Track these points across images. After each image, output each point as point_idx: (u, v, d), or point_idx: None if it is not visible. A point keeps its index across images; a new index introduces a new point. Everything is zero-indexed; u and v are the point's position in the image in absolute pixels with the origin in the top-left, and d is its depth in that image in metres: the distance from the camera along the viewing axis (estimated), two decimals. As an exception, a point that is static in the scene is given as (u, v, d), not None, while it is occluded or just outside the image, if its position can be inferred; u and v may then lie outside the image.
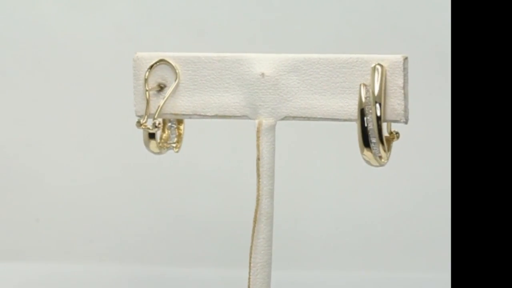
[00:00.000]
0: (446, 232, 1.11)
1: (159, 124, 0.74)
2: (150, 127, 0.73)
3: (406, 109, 0.68)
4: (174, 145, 0.77)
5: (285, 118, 0.71)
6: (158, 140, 0.76)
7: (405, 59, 0.68)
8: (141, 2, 1.18)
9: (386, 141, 0.71)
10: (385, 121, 0.69)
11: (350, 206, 1.17)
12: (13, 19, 1.18)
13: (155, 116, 0.73)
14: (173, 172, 1.19)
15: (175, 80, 0.73)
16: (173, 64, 0.73)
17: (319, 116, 0.70)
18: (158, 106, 0.73)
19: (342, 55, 0.70)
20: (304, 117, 0.71)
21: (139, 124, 0.73)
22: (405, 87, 0.68)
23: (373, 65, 0.68)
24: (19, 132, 1.19)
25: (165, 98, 0.73)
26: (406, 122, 0.69)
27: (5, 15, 1.18)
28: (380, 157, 0.70)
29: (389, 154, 0.72)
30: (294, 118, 0.71)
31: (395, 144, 0.71)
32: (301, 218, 1.18)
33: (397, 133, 0.72)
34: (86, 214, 1.19)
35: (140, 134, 1.19)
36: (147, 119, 0.73)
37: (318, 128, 1.18)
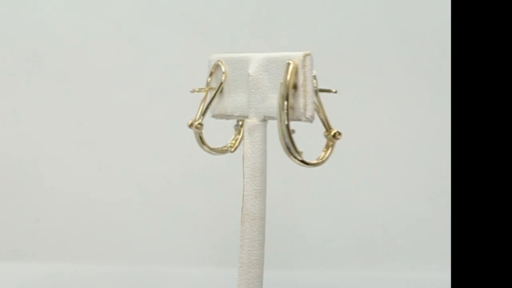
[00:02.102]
0: (446, 232, 1.11)
1: (198, 125, 0.73)
2: (195, 127, 0.73)
3: (306, 108, 0.65)
4: (231, 144, 0.76)
5: (265, 118, 0.70)
6: (231, 140, 0.75)
7: (306, 56, 0.65)
8: (141, 2, 1.18)
9: (330, 140, 0.69)
10: (291, 120, 0.66)
11: (350, 206, 1.17)
12: (13, 19, 1.18)
13: (198, 117, 0.73)
14: (173, 172, 1.19)
15: (221, 81, 0.73)
16: (223, 65, 0.73)
17: (275, 116, 0.69)
18: (203, 107, 0.73)
19: (280, 53, 0.68)
20: (273, 117, 0.69)
21: (190, 124, 0.73)
22: (305, 85, 0.65)
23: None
24: (20, 132, 1.19)
25: (210, 99, 0.73)
26: (309, 121, 0.66)
27: (5, 15, 1.18)
28: (321, 158, 0.68)
29: (329, 154, 0.69)
30: (269, 118, 0.69)
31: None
32: (301, 218, 1.18)
33: (335, 133, 0.69)
34: (86, 214, 1.19)
35: (137, 134, 1.19)
36: (199, 118, 0.73)
37: (319, 127, 1.18)
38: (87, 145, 1.19)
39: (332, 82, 1.14)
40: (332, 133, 0.68)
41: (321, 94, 0.69)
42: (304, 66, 0.65)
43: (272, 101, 0.68)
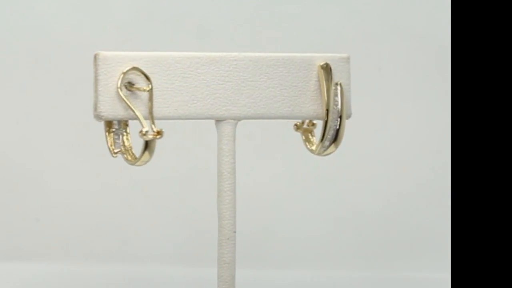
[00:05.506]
0: (446, 232, 1.11)
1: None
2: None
3: (94, 107, 0.67)
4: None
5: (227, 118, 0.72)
6: None
7: (94, 56, 0.66)
8: (141, 2, 1.18)
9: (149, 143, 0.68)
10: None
11: (349, 205, 1.17)
12: (13, 19, 1.18)
13: None
14: (173, 172, 1.18)
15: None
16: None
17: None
18: None
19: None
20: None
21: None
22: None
23: None
24: (19, 132, 1.19)
25: None
26: (97, 119, 0.66)
27: (5, 15, 1.18)
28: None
29: (145, 154, 0.68)
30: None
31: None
32: (300, 218, 1.18)
33: (140, 131, 0.67)
34: (86, 214, 1.19)
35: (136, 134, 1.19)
36: None
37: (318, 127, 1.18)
38: (88, 145, 1.19)
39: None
40: (140, 131, 0.66)
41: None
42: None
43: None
